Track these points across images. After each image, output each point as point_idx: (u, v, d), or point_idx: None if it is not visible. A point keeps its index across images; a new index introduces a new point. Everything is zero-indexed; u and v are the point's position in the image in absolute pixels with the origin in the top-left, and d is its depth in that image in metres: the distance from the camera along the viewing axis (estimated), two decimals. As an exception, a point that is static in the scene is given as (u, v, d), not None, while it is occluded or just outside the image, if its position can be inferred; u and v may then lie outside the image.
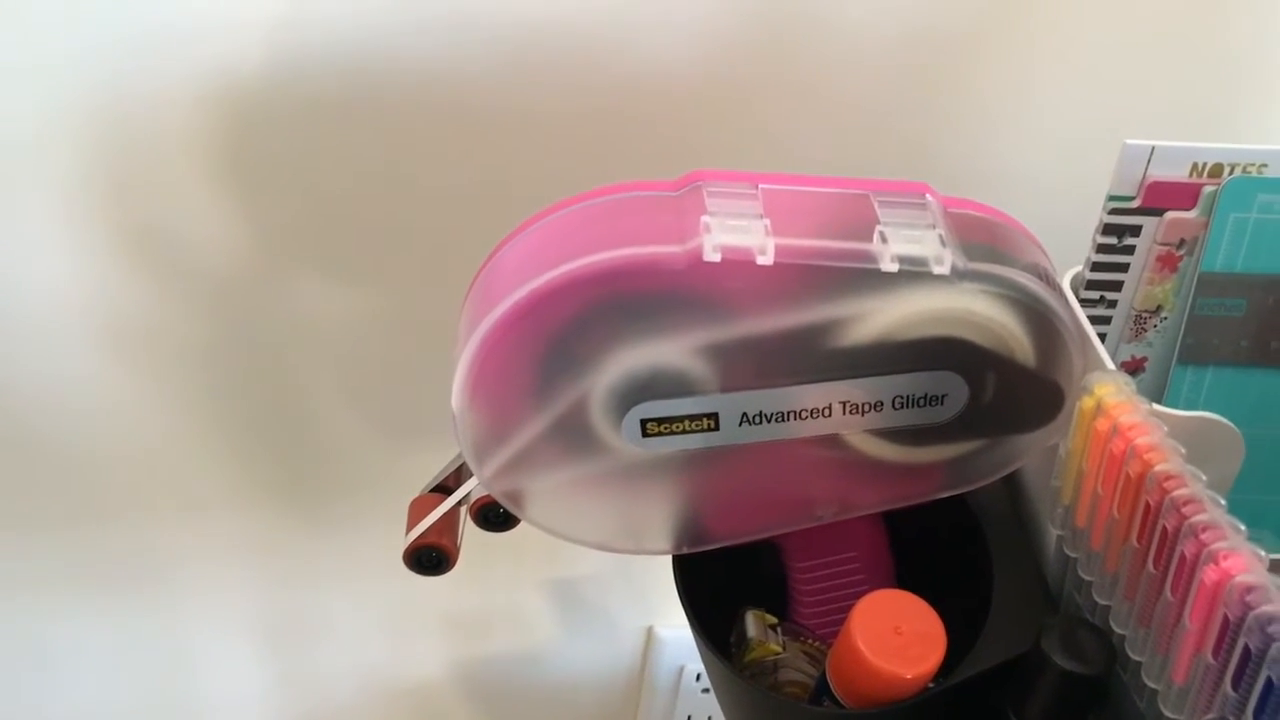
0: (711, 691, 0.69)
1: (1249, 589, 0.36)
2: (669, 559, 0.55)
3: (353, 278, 0.72)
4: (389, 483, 0.61)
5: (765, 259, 0.43)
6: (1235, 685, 0.37)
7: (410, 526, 0.55)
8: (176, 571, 0.86)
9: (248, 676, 0.95)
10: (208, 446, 0.78)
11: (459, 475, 0.57)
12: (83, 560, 0.83)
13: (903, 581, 0.56)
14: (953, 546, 0.54)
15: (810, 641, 0.56)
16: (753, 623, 0.56)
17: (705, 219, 0.44)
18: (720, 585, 0.56)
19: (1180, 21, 0.67)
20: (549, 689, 1.01)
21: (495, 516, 0.55)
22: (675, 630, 0.97)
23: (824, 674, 0.49)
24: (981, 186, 0.53)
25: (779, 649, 0.55)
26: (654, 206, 0.46)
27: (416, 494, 0.57)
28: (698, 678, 0.99)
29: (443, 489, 0.56)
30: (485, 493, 0.52)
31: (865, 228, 0.45)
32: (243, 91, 0.62)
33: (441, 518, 0.54)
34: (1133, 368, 0.54)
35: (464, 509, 0.56)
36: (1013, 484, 0.55)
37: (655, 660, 0.99)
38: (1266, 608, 0.35)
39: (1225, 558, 0.37)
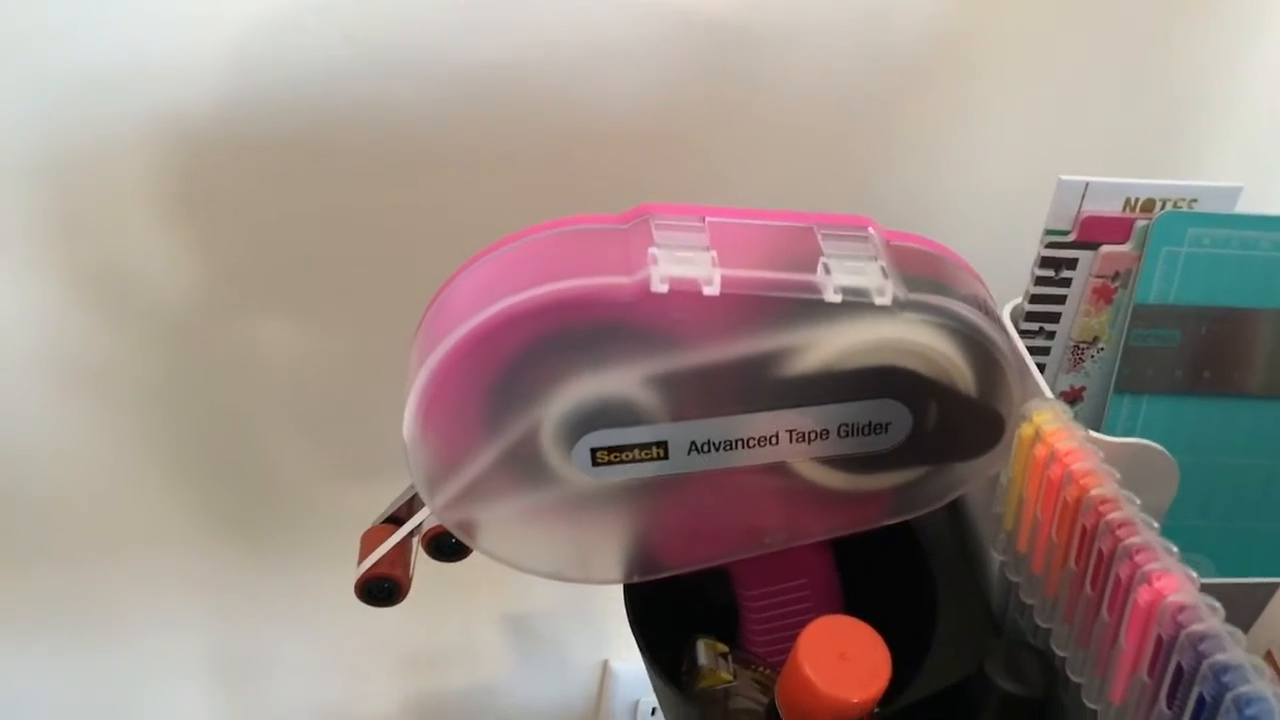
0: (664, 723, 0.70)
1: (1181, 608, 0.37)
2: (621, 591, 0.55)
3: (304, 314, 0.72)
4: (340, 518, 0.61)
5: (712, 290, 0.44)
6: (1170, 703, 0.38)
7: (362, 558, 0.55)
8: (126, 610, 0.85)
9: (198, 715, 0.93)
10: (158, 484, 0.78)
11: (411, 506, 0.57)
12: (31, 600, 0.82)
13: (849, 608, 0.56)
14: (899, 573, 0.55)
15: (761, 669, 0.56)
16: (703, 651, 0.56)
17: (653, 250, 0.45)
18: (671, 614, 0.56)
19: (1120, 60, 0.69)
20: (503, 725, 1.01)
21: (447, 546, 0.55)
22: (630, 664, 0.97)
23: (773, 701, 0.50)
24: (926, 222, 0.54)
25: (730, 677, 0.55)
26: (602, 239, 0.47)
27: (367, 528, 0.57)
28: (653, 712, 0.99)
29: (394, 520, 0.56)
30: (437, 523, 0.52)
31: (809, 260, 0.46)
32: (193, 131, 0.62)
33: (393, 549, 0.55)
34: (1071, 397, 0.56)
35: (416, 540, 0.56)
36: (957, 511, 0.56)
37: (611, 694, 0.98)
38: (1198, 626, 0.36)
39: (1158, 578, 0.38)
